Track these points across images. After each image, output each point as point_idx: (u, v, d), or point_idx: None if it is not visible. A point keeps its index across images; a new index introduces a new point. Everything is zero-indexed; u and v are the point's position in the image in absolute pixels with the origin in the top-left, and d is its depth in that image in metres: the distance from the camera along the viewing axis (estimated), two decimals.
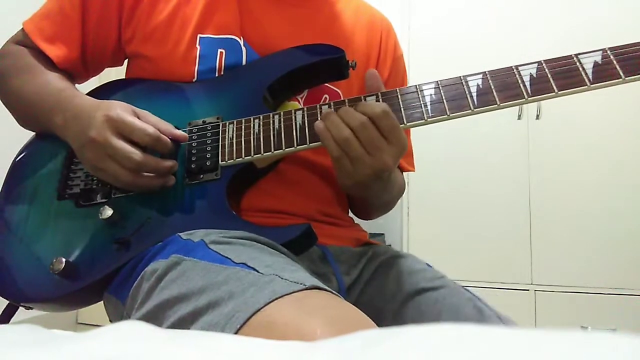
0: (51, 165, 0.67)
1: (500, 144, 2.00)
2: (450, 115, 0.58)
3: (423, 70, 2.02)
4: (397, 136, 0.56)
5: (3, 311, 0.67)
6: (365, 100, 0.61)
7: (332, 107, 0.61)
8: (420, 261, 0.71)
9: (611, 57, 0.56)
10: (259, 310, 0.39)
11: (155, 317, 0.47)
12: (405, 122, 0.59)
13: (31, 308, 0.62)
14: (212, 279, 0.45)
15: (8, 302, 0.64)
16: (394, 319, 0.62)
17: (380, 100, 0.60)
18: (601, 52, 0.56)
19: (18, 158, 0.71)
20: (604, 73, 0.55)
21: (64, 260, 0.57)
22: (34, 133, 0.73)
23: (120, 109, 0.58)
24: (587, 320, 1.77)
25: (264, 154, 0.60)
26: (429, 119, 0.58)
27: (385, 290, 0.65)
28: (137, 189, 0.60)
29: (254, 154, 0.61)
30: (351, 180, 0.58)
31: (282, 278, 0.43)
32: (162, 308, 0.47)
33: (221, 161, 0.61)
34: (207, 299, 0.43)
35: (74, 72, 0.73)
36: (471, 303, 0.60)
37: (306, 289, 0.42)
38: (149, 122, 0.59)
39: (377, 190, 0.62)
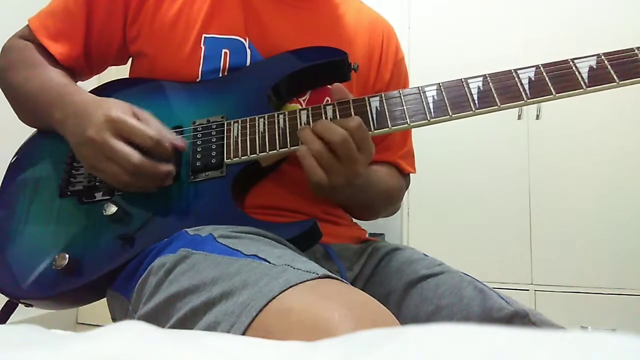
0: (52, 162, 0.67)
1: (500, 144, 2.00)
2: (453, 115, 0.59)
3: (423, 69, 2.02)
4: (368, 146, 0.59)
5: (2, 308, 0.67)
6: (369, 101, 0.61)
7: (337, 107, 0.62)
8: (418, 252, 0.72)
9: (605, 62, 0.58)
10: (274, 297, 0.39)
11: (164, 310, 0.47)
12: (408, 123, 0.59)
13: (31, 305, 0.62)
14: (223, 270, 0.45)
15: (7, 299, 0.64)
16: (398, 307, 0.62)
17: (384, 101, 0.61)
18: (596, 57, 0.59)
19: (17, 156, 0.71)
20: (599, 77, 0.57)
21: (67, 256, 0.57)
22: (31, 132, 0.73)
23: (120, 110, 0.58)
24: (587, 320, 1.77)
25: (270, 152, 0.61)
26: (431, 120, 0.60)
27: (388, 281, 0.66)
28: (134, 190, 0.60)
29: (260, 152, 0.61)
30: (325, 187, 0.60)
31: (294, 268, 0.44)
32: (172, 300, 0.47)
33: (226, 159, 0.62)
34: (220, 289, 0.43)
35: (77, 70, 0.73)
36: (472, 285, 0.61)
37: (319, 277, 0.42)
38: (150, 126, 0.59)
39: (347, 194, 0.64)
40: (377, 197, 0.76)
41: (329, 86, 0.73)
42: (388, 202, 0.81)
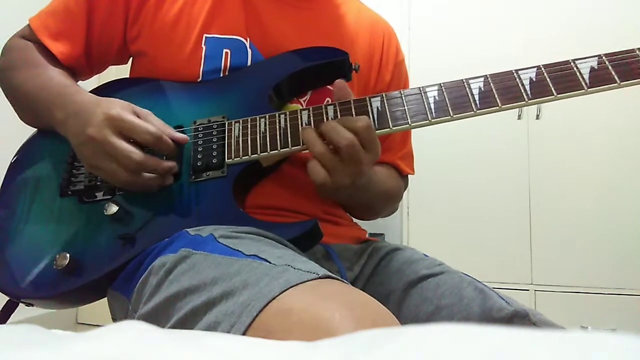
0: (53, 162, 0.67)
1: (500, 144, 2.00)
2: (454, 116, 0.59)
3: (423, 69, 2.02)
4: (375, 146, 0.59)
5: (2, 308, 0.67)
6: (370, 101, 0.61)
7: (338, 107, 0.62)
8: (418, 252, 0.72)
9: (607, 62, 0.58)
10: (275, 298, 0.39)
11: (164, 310, 0.47)
12: (409, 123, 0.59)
13: (32, 305, 0.62)
14: (224, 270, 0.45)
15: (8, 299, 0.64)
16: (398, 307, 0.62)
17: (385, 102, 0.61)
18: (597, 58, 0.59)
19: (18, 156, 0.71)
20: (600, 78, 0.58)
21: (68, 255, 0.57)
22: (32, 131, 0.73)
23: (120, 108, 0.58)
24: (587, 320, 1.76)
25: (271, 152, 0.61)
26: (433, 120, 0.60)
27: (388, 282, 0.66)
28: (135, 189, 0.60)
29: (261, 152, 0.61)
30: (328, 187, 0.59)
31: (294, 268, 0.44)
32: (172, 300, 0.47)
33: (227, 159, 0.62)
34: (220, 289, 0.43)
35: (78, 69, 0.73)
36: (472, 285, 0.61)
37: (319, 277, 0.42)
38: (150, 122, 0.59)
39: (349, 193, 0.64)
40: (378, 198, 0.76)
41: (328, 87, 0.73)
42: (388, 202, 0.81)
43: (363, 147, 0.57)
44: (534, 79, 0.59)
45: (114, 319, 0.64)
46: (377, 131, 0.60)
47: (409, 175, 0.86)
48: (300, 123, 0.62)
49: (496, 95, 0.59)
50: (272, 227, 0.57)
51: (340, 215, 0.76)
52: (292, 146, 0.61)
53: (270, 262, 0.45)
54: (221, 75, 0.68)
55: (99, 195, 0.63)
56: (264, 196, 0.66)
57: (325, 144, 0.58)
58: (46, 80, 0.66)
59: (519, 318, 0.56)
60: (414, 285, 0.63)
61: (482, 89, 0.59)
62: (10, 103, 0.71)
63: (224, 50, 0.69)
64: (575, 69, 0.58)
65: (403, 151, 0.84)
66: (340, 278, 0.44)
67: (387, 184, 0.78)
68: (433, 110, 0.59)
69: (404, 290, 0.63)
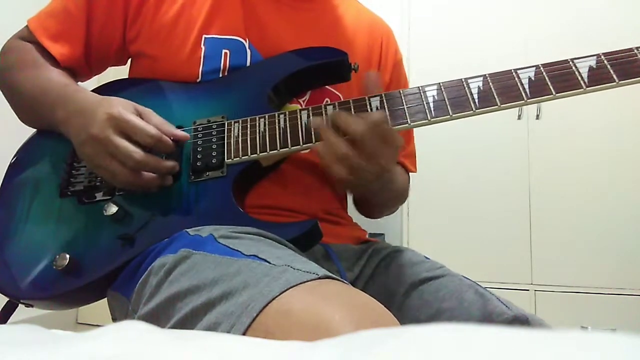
0: (53, 162, 0.67)
1: (500, 144, 2.00)
2: (453, 115, 0.59)
3: (423, 69, 2.02)
4: (395, 139, 0.58)
5: (2, 308, 0.67)
6: (369, 101, 0.61)
7: (337, 107, 0.62)
8: (419, 254, 0.72)
9: (605, 61, 0.58)
10: (274, 298, 0.39)
11: (165, 311, 0.47)
12: (409, 123, 0.60)
13: (31, 306, 0.62)
14: (224, 270, 0.45)
15: (7, 300, 0.64)
16: (399, 309, 0.62)
17: (385, 101, 0.61)
18: (595, 57, 0.59)
19: (17, 156, 0.71)
20: (599, 77, 0.58)
21: (67, 256, 0.57)
22: (32, 132, 0.73)
23: (122, 107, 0.58)
24: (587, 320, 1.76)
25: (270, 152, 0.61)
26: (432, 119, 0.60)
27: (388, 284, 0.66)
28: (135, 188, 0.60)
29: (260, 152, 0.61)
30: (352, 184, 0.59)
31: (294, 268, 0.43)
32: (172, 301, 0.47)
33: (227, 159, 0.62)
34: (220, 290, 0.43)
35: (77, 71, 0.73)
36: (472, 289, 0.61)
37: (319, 278, 0.42)
38: (151, 122, 0.59)
39: (375, 188, 0.63)
40: (397, 194, 0.78)
41: (327, 87, 0.73)
42: (400, 199, 0.83)
43: (382, 141, 0.57)
44: (533, 78, 0.59)
45: (114, 319, 0.64)
46: None
47: (410, 174, 0.87)
48: (299, 123, 0.62)
49: (495, 95, 0.59)
50: (271, 227, 0.57)
51: (340, 215, 0.76)
52: (291, 146, 0.61)
53: (270, 263, 0.45)
54: (220, 75, 0.68)
55: (99, 196, 0.63)
56: (263, 196, 0.66)
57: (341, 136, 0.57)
58: (45, 81, 0.66)
59: (519, 323, 0.56)
60: (415, 288, 0.63)
61: (481, 88, 0.59)
62: (10, 104, 0.71)
63: (223, 51, 0.69)
64: (574, 68, 0.58)
65: (407, 150, 0.84)
66: (340, 278, 0.44)
67: (402, 181, 0.79)
68: (432, 110, 0.60)
69: (404, 293, 0.63)
